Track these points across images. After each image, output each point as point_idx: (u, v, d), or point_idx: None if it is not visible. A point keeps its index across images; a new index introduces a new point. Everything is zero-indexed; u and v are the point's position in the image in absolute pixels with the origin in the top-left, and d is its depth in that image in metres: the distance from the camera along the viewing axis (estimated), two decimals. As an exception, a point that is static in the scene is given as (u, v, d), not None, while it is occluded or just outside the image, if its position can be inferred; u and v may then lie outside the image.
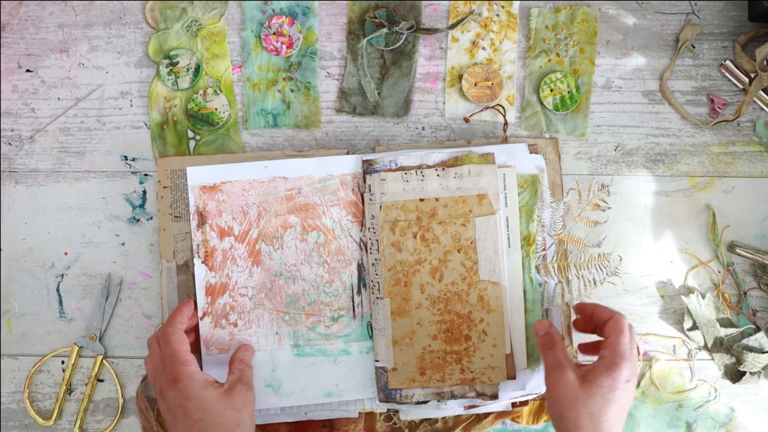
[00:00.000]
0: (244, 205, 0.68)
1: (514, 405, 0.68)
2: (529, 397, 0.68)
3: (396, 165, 0.67)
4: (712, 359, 0.71)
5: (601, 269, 0.70)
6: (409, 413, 0.68)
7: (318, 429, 0.68)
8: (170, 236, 0.70)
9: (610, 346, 0.58)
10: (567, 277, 0.70)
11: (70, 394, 0.71)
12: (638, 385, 0.70)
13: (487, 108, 0.72)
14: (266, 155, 0.71)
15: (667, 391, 0.70)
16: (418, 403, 0.66)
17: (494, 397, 0.66)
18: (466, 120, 0.71)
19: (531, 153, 0.69)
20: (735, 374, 0.70)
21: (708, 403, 0.70)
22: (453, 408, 0.68)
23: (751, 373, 0.69)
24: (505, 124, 0.71)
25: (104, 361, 0.70)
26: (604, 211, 0.71)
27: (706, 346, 0.71)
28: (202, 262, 0.68)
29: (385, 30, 0.71)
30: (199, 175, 0.68)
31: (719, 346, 0.70)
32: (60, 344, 0.71)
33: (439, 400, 0.67)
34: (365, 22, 0.72)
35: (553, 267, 0.70)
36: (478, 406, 0.67)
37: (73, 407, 0.71)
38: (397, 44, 0.72)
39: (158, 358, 0.61)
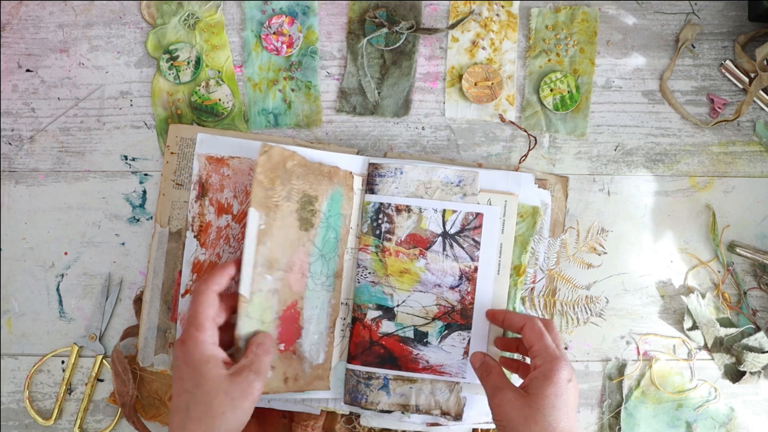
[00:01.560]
0: (248, 184, 0.67)
1: (474, 431, 0.68)
2: (493, 425, 0.67)
3: (401, 173, 0.67)
4: (712, 359, 0.71)
5: (586, 310, 0.70)
6: (371, 420, 0.68)
7: (278, 418, 0.68)
8: (168, 202, 0.69)
9: (539, 353, 0.57)
10: (552, 313, 0.70)
11: (70, 393, 0.71)
12: (638, 384, 0.70)
13: (531, 140, 0.72)
14: (277, 140, 0.70)
15: (667, 390, 0.70)
16: (383, 411, 0.66)
17: (458, 417, 0.66)
18: (520, 162, 0.71)
19: (539, 188, 0.69)
20: (735, 374, 0.70)
21: (708, 403, 0.70)
22: (415, 423, 0.67)
23: (751, 373, 0.69)
24: (525, 156, 0.71)
25: (104, 360, 0.70)
26: (599, 255, 0.71)
27: (706, 346, 0.71)
28: (195, 237, 0.66)
29: (385, 30, 0.71)
30: (208, 143, 0.67)
31: (719, 345, 0.70)
32: (60, 344, 0.71)
33: (403, 412, 0.66)
34: (365, 22, 0.72)
35: (539, 301, 0.69)
36: (440, 425, 0.67)
37: (73, 407, 0.71)
38: (397, 44, 0.72)
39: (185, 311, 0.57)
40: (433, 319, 0.67)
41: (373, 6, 0.73)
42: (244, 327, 0.59)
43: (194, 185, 0.67)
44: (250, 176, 0.66)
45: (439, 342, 0.66)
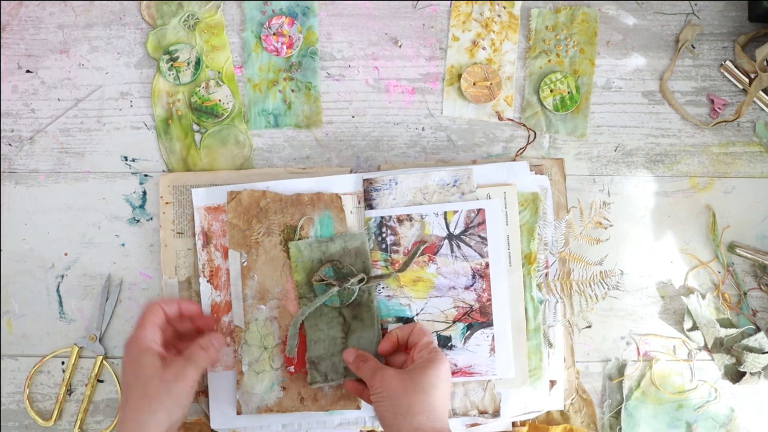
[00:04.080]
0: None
1: (513, 424, 0.68)
2: (531, 416, 0.68)
3: (396, 183, 0.67)
4: (712, 360, 0.71)
5: (603, 285, 0.70)
6: None
7: None
8: (172, 252, 0.69)
9: (423, 348, 0.60)
10: (569, 294, 0.70)
11: (70, 394, 0.71)
12: (638, 385, 0.70)
13: (532, 135, 0.72)
14: (269, 173, 0.71)
15: (667, 391, 0.70)
16: None
17: (496, 414, 0.66)
18: (517, 155, 0.71)
19: (536, 174, 0.70)
20: (735, 375, 0.70)
21: (708, 404, 0.70)
22: (455, 426, 0.67)
23: (751, 373, 0.69)
24: (523, 149, 0.72)
25: (104, 361, 0.70)
26: (605, 228, 0.71)
27: (706, 347, 0.71)
28: (208, 281, 0.68)
29: (335, 288, 0.65)
30: (203, 196, 0.69)
31: (719, 346, 0.70)
32: (60, 345, 0.71)
33: None
34: (312, 285, 0.67)
35: (555, 285, 0.70)
36: (479, 424, 0.67)
37: (73, 408, 0.71)
38: (352, 298, 0.66)
39: None
40: (454, 321, 0.67)
41: (317, 264, 0.67)
42: (245, 353, 0.67)
43: (198, 235, 0.68)
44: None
45: (464, 343, 0.67)
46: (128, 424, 0.56)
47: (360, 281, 0.65)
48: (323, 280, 0.66)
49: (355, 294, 0.66)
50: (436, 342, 0.64)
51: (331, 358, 0.66)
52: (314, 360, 0.66)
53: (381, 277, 0.66)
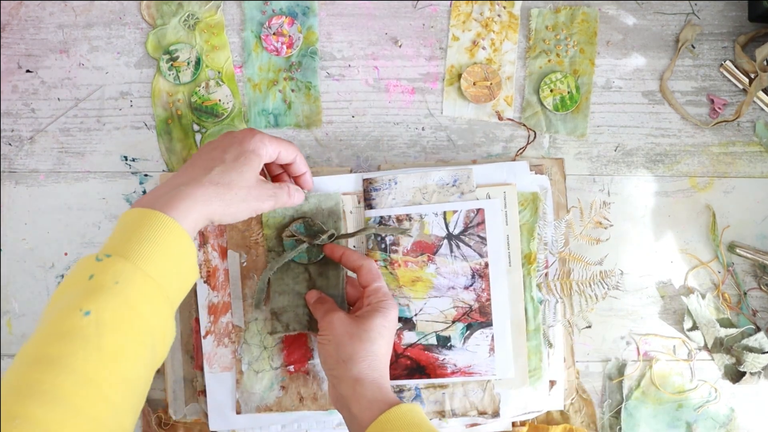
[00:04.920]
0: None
1: (513, 425, 0.68)
2: (531, 416, 0.68)
3: (396, 183, 0.67)
4: (712, 359, 0.71)
5: (603, 285, 0.70)
6: None
7: None
8: None
9: (374, 292, 0.60)
10: (569, 294, 0.70)
11: (70, 394, 0.71)
12: (638, 385, 0.70)
13: (532, 134, 0.72)
14: None
15: (667, 391, 0.70)
16: None
17: (496, 414, 0.66)
18: (517, 155, 0.71)
19: (536, 174, 0.70)
20: (735, 374, 0.70)
21: (708, 404, 0.70)
22: (454, 427, 0.67)
23: (751, 373, 0.69)
24: (523, 149, 0.72)
25: (104, 361, 0.70)
26: (605, 228, 0.71)
27: (706, 347, 0.71)
28: (204, 282, 0.68)
29: (305, 245, 0.65)
30: None
31: (719, 346, 0.70)
32: (60, 345, 0.71)
33: (440, 419, 0.67)
34: (282, 240, 0.67)
35: (555, 285, 0.70)
36: (479, 424, 0.67)
37: (73, 408, 0.71)
38: (321, 256, 0.66)
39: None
40: (453, 321, 0.67)
41: (288, 220, 0.67)
42: (245, 353, 0.67)
43: (195, 235, 0.67)
44: None
45: (463, 343, 0.67)
46: (186, 189, 0.54)
47: (330, 237, 0.65)
48: (293, 236, 0.66)
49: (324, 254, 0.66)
50: (384, 283, 0.63)
51: (294, 309, 0.66)
52: (276, 311, 0.66)
53: (351, 235, 0.66)
